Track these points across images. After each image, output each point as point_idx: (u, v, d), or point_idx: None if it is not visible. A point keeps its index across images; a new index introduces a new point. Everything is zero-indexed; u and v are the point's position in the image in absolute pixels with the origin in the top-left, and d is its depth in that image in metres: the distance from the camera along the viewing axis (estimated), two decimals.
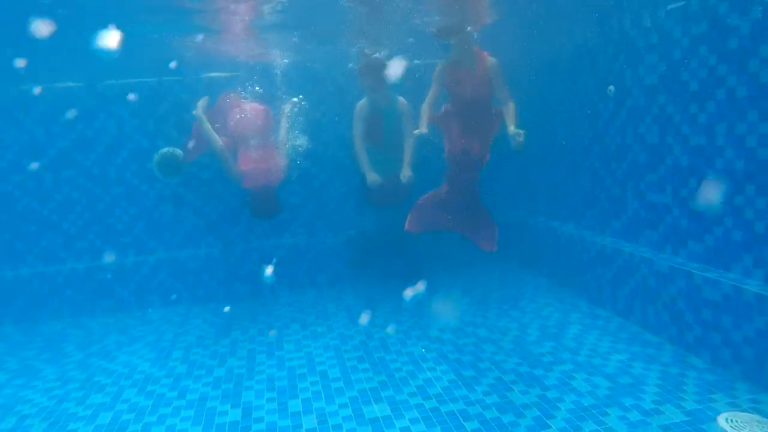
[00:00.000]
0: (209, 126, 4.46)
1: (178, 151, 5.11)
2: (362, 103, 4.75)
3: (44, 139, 5.03)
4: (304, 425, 2.91)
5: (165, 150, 5.09)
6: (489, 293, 4.86)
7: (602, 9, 4.01)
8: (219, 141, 4.45)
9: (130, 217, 5.27)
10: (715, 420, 2.67)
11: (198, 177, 5.27)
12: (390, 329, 4.14)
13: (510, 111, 4.05)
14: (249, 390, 3.36)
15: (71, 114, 5.00)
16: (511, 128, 3.95)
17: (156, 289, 5.19)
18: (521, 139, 3.87)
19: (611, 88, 4.10)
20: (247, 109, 4.62)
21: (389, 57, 4.69)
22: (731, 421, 2.62)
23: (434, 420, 2.86)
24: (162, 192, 5.29)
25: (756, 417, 2.64)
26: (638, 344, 3.60)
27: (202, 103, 4.56)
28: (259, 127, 4.55)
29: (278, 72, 5.32)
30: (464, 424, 2.81)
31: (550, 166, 5.19)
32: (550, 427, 2.72)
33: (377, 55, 4.80)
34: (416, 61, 5.42)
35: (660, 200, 3.73)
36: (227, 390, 3.39)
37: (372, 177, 4.56)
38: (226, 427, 2.95)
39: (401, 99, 4.70)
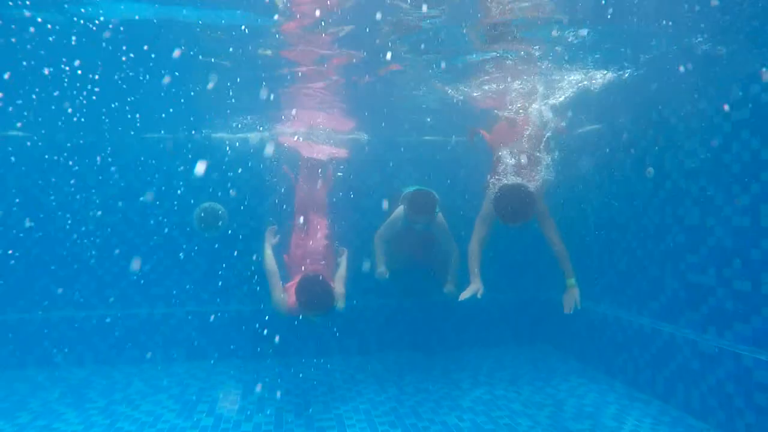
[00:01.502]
0: (270, 249, 4.33)
1: (218, 206, 5.29)
2: (398, 217, 4.46)
3: (95, 186, 5.24)
4: None
5: (206, 205, 5.28)
6: (520, 370, 4.74)
7: (642, 94, 4.22)
8: (273, 265, 4.21)
9: (165, 268, 5.34)
10: None
11: (234, 234, 5.38)
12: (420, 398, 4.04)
13: (562, 257, 3.86)
14: None
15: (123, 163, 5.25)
16: (570, 281, 3.86)
17: (182, 341, 5.15)
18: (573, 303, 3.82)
19: (650, 170, 4.22)
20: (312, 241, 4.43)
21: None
22: None
23: None
24: (199, 246, 5.39)
25: None
26: (683, 428, 3.45)
27: (270, 235, 4.46)
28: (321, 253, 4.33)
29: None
30: None
31: (583, 245, 5.22)
32: None
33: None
34: None
35: (702, 281, 3.73)
36: None
37: (381, 271, 4.36)
38: None
39: (438, 216, 4.44)
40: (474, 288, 3.73)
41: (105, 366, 4.98)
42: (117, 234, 5.27)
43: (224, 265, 5.39)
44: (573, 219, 5.24)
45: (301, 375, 4.66)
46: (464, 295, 3.70)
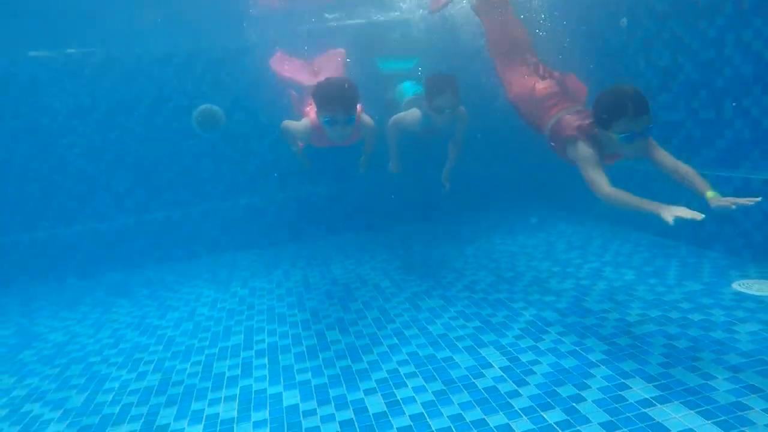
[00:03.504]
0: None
1: (216, 108, 5.48)
2: (416, 119, 4.09)
3: (90, 103, 5.37)
4: (368, 317, 3.30)
5: (203, 107, 5.47)
6: (514, 224, 5.23)
7: None
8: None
9: (174, 173, 5.63)
10: (728, 285, 3.06)
11: (234, 132, 5.61)
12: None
13: (691, 175, 2.88)
14: (311, 300, 3.76)
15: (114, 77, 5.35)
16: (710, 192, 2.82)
17: (202, 239, 5.57)
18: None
19: (624, 20, 4.42)
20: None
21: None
22: (742, 284, 3.02)
23: (483, 304, 3.26)
24: (202, 148, 5.64)
25: (764, 281, 3.03)
26: (657, 247, 3.99)
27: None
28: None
29: None
30: (511, 305, 3.20)
31: None
32: (586, 300, 3.12)
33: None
34: None
35: (673, 117, 4.08)
36: (291, 302, 3.78)
37: (395, 166, 4.39)
38: (299, 325, 3.34)
39: (462, 110, 4.02)
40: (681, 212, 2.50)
41: (136, 268, 5.42)
42: (123, 147, 5.48)
43: (229, 163, 5.67)
44: None
45: (317, 251, 5.13)
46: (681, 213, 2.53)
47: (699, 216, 2.39)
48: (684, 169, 2.92)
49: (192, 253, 5.55)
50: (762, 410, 1.92)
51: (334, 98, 3.39)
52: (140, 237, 5.49)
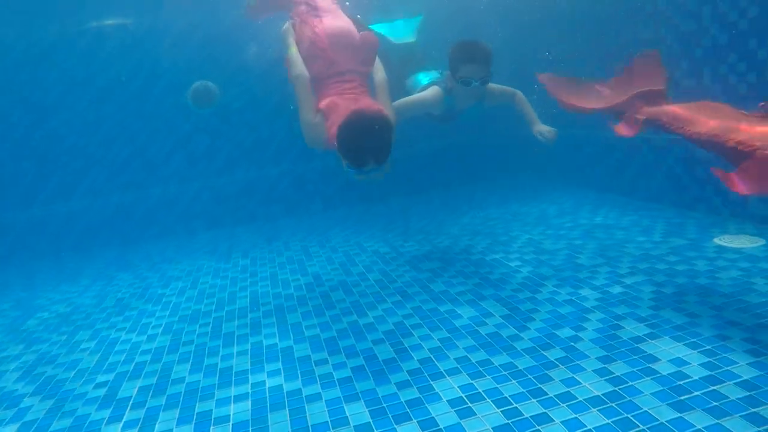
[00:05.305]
0: (294, 47, 3.29)
1: (211, 84, 5.51)
2: (437, 98, 3.47)
3: (84, 78, 5.36)
4: (370, 278, 3.42)
5: (198, 83, 5.49)
6: (508, 193, 5.38)
7: None
8: (300, 68, 3.17)
9: (169, 148, 5.66)
10: (711, 240, 3.24)
11: (229, 107, 5.64)
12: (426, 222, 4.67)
13: None
14: (312, 266, 3.87)
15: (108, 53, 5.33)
16: None
17: (200, 214, 5.64)
18: None
19: None
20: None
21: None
22: (723, 239, 3.20)
23: (481, 264, 3.40)
24: (197, 124, 5.67)
25: (742, 235, 3.22)
26: (644, 210, 4.15)
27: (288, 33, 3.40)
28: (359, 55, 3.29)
29: None
30: (508, 264, 3.34)
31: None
32: (579, 257, 3.27)
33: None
34: None
35: None
36: (293, 268, 3.88)
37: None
38: (303, 287, 3.45)
39: (491, 86, 3.52)
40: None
41: (133, 244, 5.47)
42: (116, 122, 5.49)
43: (224, 139, 5.72)
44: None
45: (314, 223, 5.23)
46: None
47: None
48: None
49: (189, 228, 5.62)
50: (741, 339, 2.10)
51: (362, 154, 2.74)
52: (136, 213, 5.54)
